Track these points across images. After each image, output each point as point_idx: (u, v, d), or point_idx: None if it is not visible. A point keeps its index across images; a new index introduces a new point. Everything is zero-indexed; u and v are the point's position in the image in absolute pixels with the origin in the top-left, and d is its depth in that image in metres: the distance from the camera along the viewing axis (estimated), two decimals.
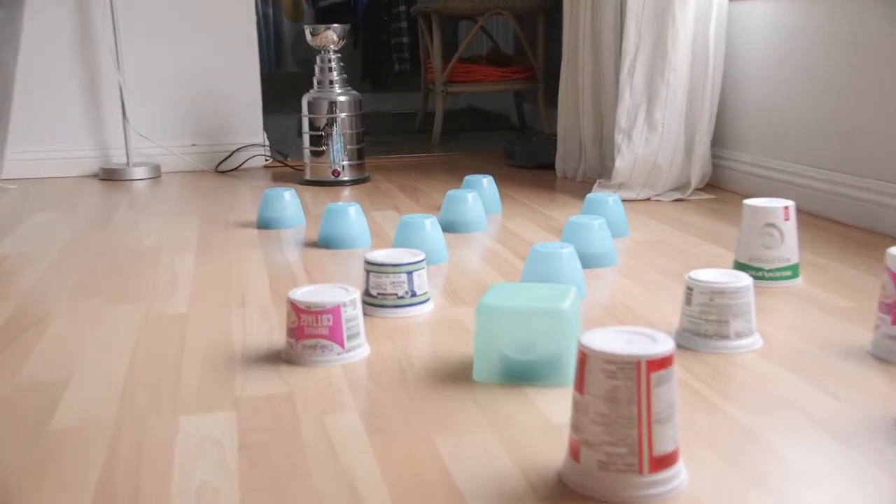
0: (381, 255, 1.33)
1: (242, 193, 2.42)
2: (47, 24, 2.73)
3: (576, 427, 0.80)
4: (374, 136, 3.30)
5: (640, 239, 1.76)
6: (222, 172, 2.83)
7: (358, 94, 2.54)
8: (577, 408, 0.80)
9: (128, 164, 2.77)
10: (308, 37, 2.53)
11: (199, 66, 2.86)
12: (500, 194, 2.20)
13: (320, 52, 2.52)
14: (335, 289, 1.16)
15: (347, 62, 2.60)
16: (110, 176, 2.75)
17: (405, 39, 4.71)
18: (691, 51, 2.12)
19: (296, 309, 1.12)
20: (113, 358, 1.16)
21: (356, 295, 1.15)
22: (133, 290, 1.48)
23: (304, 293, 1.15)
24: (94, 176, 2.80)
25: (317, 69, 2.53)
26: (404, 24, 4.73)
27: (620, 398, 0.77)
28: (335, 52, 2.52)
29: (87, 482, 0.84)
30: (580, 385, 0.79)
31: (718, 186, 2.29)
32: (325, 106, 2.49)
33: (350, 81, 2.57)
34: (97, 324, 1.31)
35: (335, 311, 1.12)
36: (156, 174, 2.79)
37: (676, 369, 0.79)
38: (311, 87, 2.54)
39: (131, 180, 2.72)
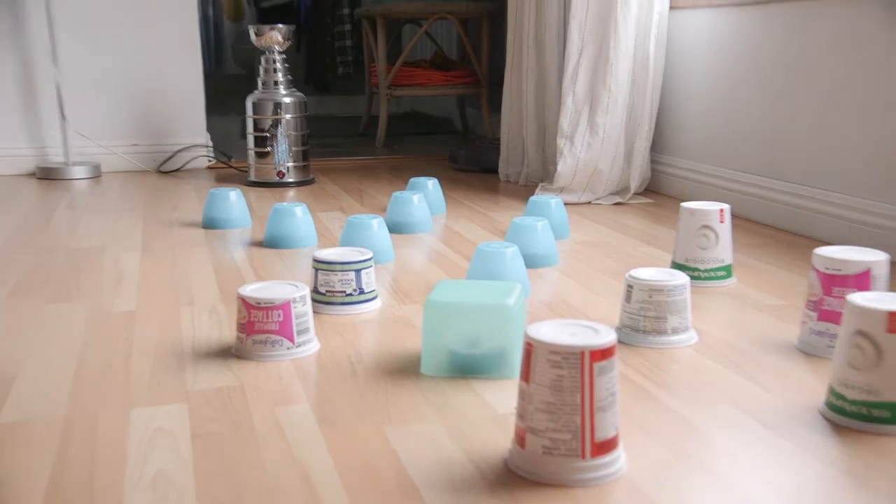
0: (329, 254, 1.35)
1: (186, 194, 2.41)
2: None
3: (521, 415, 0.83)
4: (318, 140, 3.31)
5: (582, 240, 1.81)
6: (164, 173, 2.80)
7: (303, 95, 2.55)
8: (523, 396, 0.83)
9: (66, 163, 2.73)
10: (252, 37, 2.52)
11: (140, 64, 2.81)
12: (445, 197, 2.23)
13: (264, 52, 2.52)
14: (285, 285, 1.18)
15: (290, 64, 2.60)
16: (48, 175, 2.70)
17: (349, 42, 4.71)
18: (632, 58, 2.18)
19: (246, 305, 1.14)
20: (60, 354, 1.16)
21: (306, 291, 1.17)
22: (77, 289, 1.47)
23: (255, 289, 1.16)
24: (31, 175, 2.75)
25: (261, 70, 2.52)
26: (348, 27, 4.72)
27: (565, 387, 0.80)
28: (280, 52, 2.52)
29: (40, 474, 0.84)
30: (526, 375, 0.83)
31: (656, 191, 2.36)
32: (270, 107, 2.49)
33: (294, 83, 2.58)
34: (41, 322, 1.30)
35: (285, 306, 1.14)
36: (95, 174, 2.75)
37: (617, 361, 0.83)
38: (253, 88, 2.54)
39: (70, 179, 2.68)
